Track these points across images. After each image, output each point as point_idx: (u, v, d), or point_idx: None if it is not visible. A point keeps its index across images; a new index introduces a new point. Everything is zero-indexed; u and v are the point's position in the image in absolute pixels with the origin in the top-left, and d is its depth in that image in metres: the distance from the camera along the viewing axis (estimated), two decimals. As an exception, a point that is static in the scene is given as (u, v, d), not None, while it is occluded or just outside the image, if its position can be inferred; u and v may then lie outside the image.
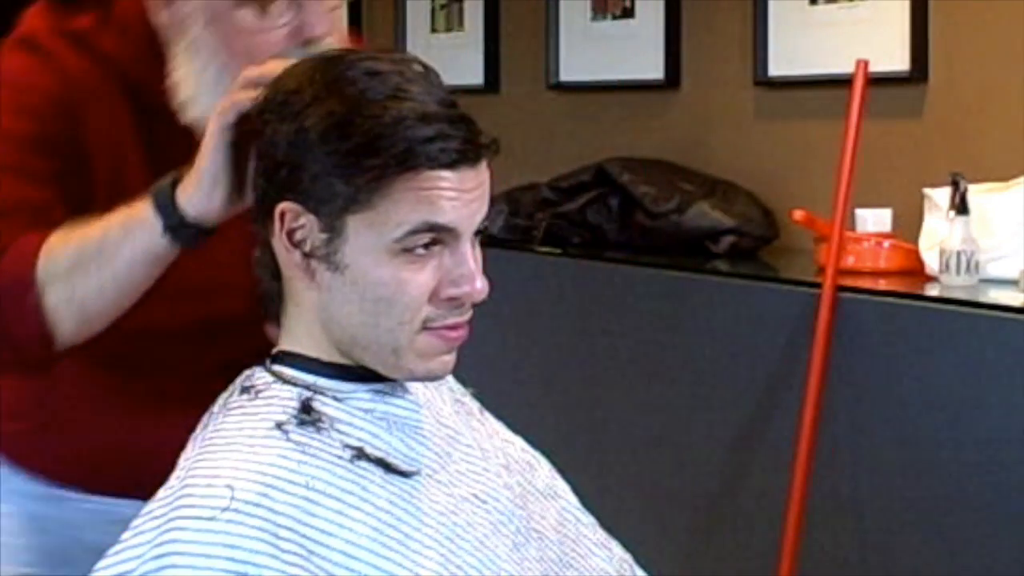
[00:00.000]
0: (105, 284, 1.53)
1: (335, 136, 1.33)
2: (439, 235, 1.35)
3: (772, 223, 3.08)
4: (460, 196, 1.34)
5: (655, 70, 3.47)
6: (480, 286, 1.37)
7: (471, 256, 1.37)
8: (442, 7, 4.10)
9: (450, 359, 1.41)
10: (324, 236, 1.35)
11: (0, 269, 1.54)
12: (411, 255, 1.34)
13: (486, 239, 1.43)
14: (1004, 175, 2.61)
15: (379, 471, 1.36)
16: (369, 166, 1.32)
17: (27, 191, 1.60)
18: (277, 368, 1.42)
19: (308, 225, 1.36)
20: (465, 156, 1.34)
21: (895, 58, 2.89)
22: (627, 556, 1.59)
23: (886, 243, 2.67)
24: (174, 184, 1.50)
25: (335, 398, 1.39)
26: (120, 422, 1.76)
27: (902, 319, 2.41)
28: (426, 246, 1.35)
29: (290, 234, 1.37)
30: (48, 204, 1.60)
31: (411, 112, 1.33)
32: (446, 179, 1.33)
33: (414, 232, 1.33)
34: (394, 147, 1.32)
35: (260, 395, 1.39)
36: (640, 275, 2.96)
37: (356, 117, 1.33)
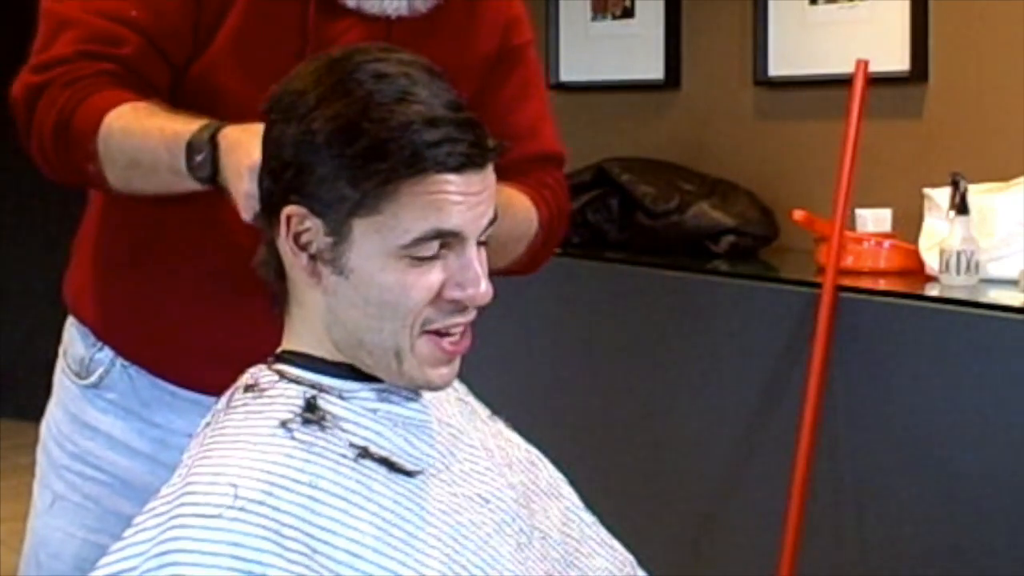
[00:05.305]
0: (159, 188, 1.64)
1: (342, 140, 1.33)
2: (445, 239, 1.35)
3: (772, 223, 3.09)
4: (466, 200, 1.34)
5: (655, 70, 3.47)
6: (484, 289, 1.37)
7: (476, 259, 1.37)
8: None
9: (449, 372, 1.41)
10: (330, 240, 1.35)
11: (75, 118, 1.64)
12: (416, 259, 1.34)
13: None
14: (1004, 175, 2.61)
15: (383, 470, 1.36)
16: (376, 170, 1.32)
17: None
18: (281, 366, 1.42)
19: (314, 228, 1.36)
20: (472, 160, 1.34)
21: (895, 58, 2.90)
22: (629, 556, 1.59)
23: (886, 243, 2.68)
24: (213, 142, 1.53)
25: (340, 396, 1.39)
26: (224, 327, 1.80)
27: (902, 319, 2.41)
28: (432, 250, 1.35)
29: (296, 237, 1.37)
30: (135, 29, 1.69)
31: (418, 116, 1.32)
32: (453, 183, 1.33)
33: (421, 239, 1.33)
34: (401, 151, 1.31)
35: (264, 393, 1.39)
36: (640, 275, 2.96)
37: (363, 121, 1.32)
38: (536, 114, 1.92)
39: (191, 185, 1.57)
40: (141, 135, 1.61)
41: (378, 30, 1.74)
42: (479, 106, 1.80)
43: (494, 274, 1.80)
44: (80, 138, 1.64)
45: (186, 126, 1.57)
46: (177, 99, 1.70)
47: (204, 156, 1.54)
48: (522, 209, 1.81)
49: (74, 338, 1.90)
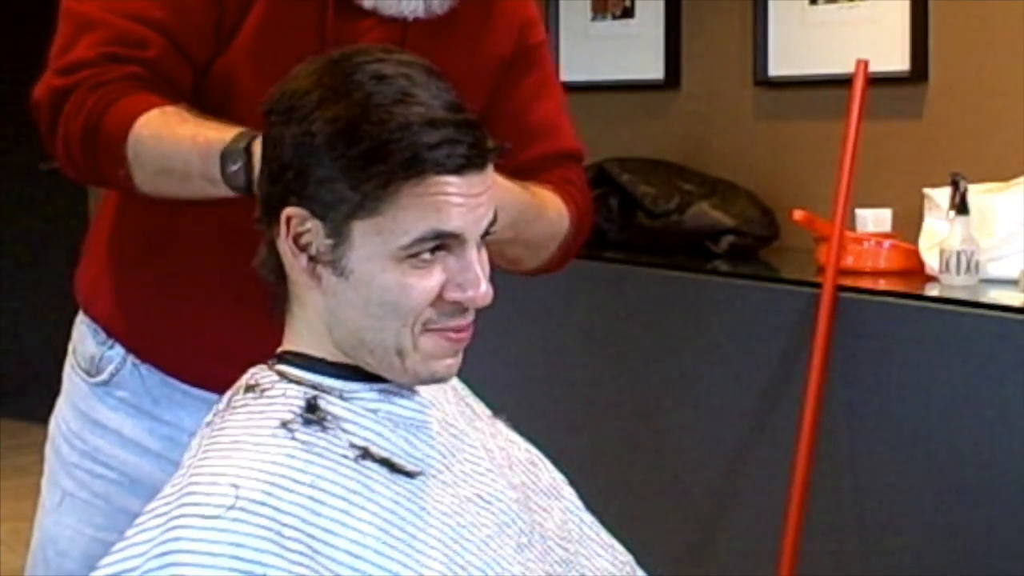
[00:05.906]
0: (184, 193, 1.64)
1: (342, 142, 1.33)
2: (445, 241, 1.35)
3: (772, 223, 3.09)
4: (467, 202, 1.34)
5: (655, 70, 3.47)
6: (484, 290, 1.37)
7: (476, 261, 1.37)
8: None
9: (454, 362, 1.41)
10: (330, 242, 1.35)
11: (104, 123, 1.64)
12: (416, 260, 1.34)
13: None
14: (1004, 175, 2.61)
15: (384, 471, 1.36)
16: (376, 172, 1.32)
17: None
18: (282, 367, 1.42)
19: (314, 230, 1.36)
20: (472, 161, 1.34)
21: (895, 58, 2.90)
22: (629, 556, 1.60)
23: (886, 243, 2.68)
24: (248, 151, 1.53)
25: (341, 397, 1.39)
26: (235, 324, 1.80)
27: (902, 319, 2.41)
28: (432, 251, 1.35)
29: (296, 238, 1.37)
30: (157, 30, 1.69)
31: (418, 117, 1.32)
32: (453, 184, 1.33)
33: (421, 240, 1.33)
34: (401, 153, 1.31)
35: (265, 394, 1.39)
36: (640, 275, 2.97)
37: (363, 123, 1.32)
38: (553, 113, 1.93)
39: (225, 192, 1.57)
40: (172, 142, 1.61)
41: (394, 31, 1.74)
42: (496, 106, 1.83)
43: (527, 274, 1.83)
44: (109, 144, 1.63)
45: (219, 134, 1.57)
46: (194, 95, 1.70)
47: (239, 166, 1.54)
48: (555, 210, 1.84)
49: (84, 336, 1.90)
